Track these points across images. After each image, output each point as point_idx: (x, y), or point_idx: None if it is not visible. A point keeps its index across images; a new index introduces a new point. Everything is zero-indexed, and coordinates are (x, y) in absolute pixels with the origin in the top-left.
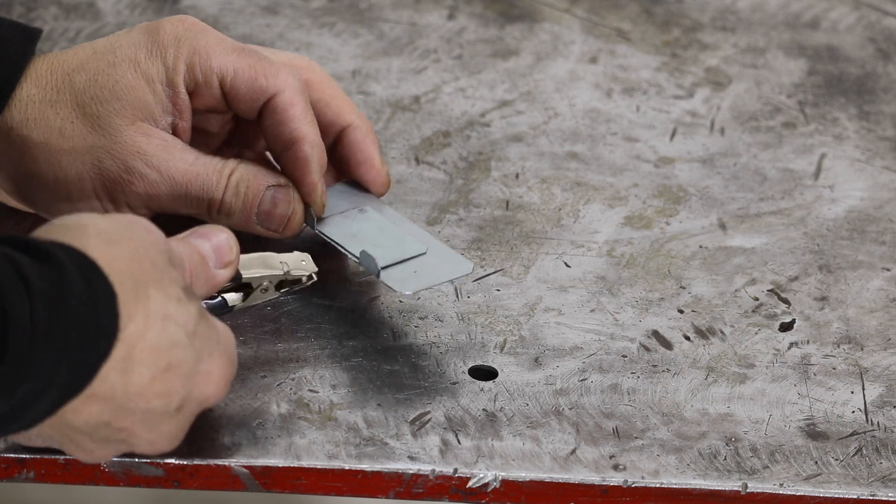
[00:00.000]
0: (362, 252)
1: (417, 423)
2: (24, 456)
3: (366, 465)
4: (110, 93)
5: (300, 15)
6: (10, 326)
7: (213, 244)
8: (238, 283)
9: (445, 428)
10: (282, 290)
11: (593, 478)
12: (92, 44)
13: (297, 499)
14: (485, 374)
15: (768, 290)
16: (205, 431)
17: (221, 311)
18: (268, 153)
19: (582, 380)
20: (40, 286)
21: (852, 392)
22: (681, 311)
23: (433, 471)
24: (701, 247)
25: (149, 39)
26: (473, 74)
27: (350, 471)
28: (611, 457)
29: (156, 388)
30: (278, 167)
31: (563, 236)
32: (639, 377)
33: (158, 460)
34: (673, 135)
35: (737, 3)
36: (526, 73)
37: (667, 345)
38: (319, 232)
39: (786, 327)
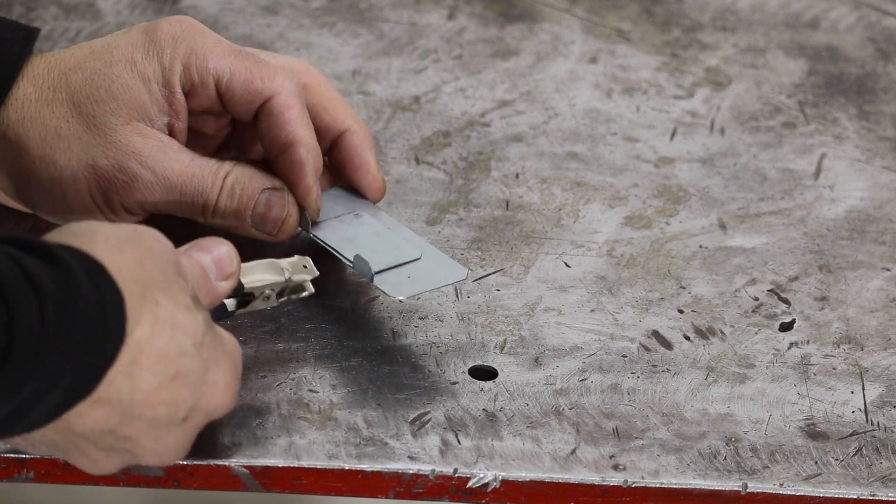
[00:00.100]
0: (356, 256)
1: (417, 423)
2: (24, 456)
3: (366, 465)
4: (106, 92)
5: (300, 15)
6: (16, 327)
7: (213, 257)
8: (240, 293)
9: (445, 428)
10: (281, 300)
11: (593, 478)
12: (90, 43)
13: (297, 499)
14: (485, 374)
15: (768, 290)
16: (205, 431)
17: (221, 315)
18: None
19: (582, 380)
20: (49, 288)
21: (852, 392)
22: (681, 311)
23: (433, 471)
24: (701, 247)
25: (146, 39)
26: (473, 74)
27: (350, 471)
28: (611, 457)
29: (162, 396)
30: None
31: (563, 236)
32: (639, 377)
33: None
34: (673, 135)
35: (737, 3)
36: (526, 73)
37: (667, 345)
38: (314, 236)
39: (786, 327)
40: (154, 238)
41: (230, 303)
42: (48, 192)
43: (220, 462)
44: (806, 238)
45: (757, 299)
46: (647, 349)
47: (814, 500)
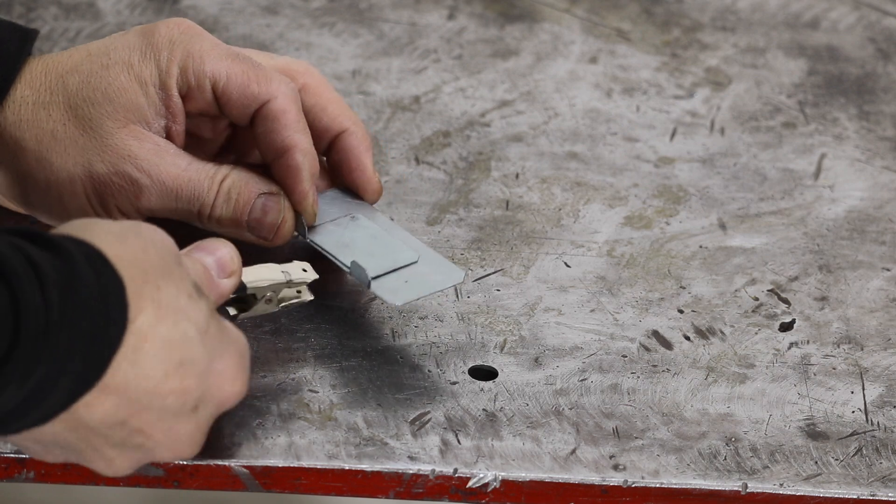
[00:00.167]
0: (353, 262)
1: (417, 423)
2: (24, 456)
3: (366, 465)
4: (103, 95)
5: (300, 15)
6: (22, 310)
7: (215, 258)
8: (243, 295)
9: (445, 428)
10: (282, 305)
11: (593, 478)
12: (87, 46)
13: (297, 499)
14: (485, 374)
15: (768, 290)
16: None
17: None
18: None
19: (582, 380)
20: (52, 276)
21: (852, 392)
22: (681, 311)
23: (433, 471)
24: (701, 247)
25: (143, 42)
26: (473, 74)
27: (350, 471)
28: (611, 457)
29: (170, 385)
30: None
31: (563, 236)
32: (639, 377)
33: None
34: (673, 135)
35: (737, 3)
36: (526, 73)
37: (667, 345)
38: (310, 241)
39: (786, 327)
40: (154, 230)
41: (232, 310)
42: (45, 195)
43: (220, 462)
44: (806, 238)
45: (757, 299)
46: (647, 349)
47: (814, 500)
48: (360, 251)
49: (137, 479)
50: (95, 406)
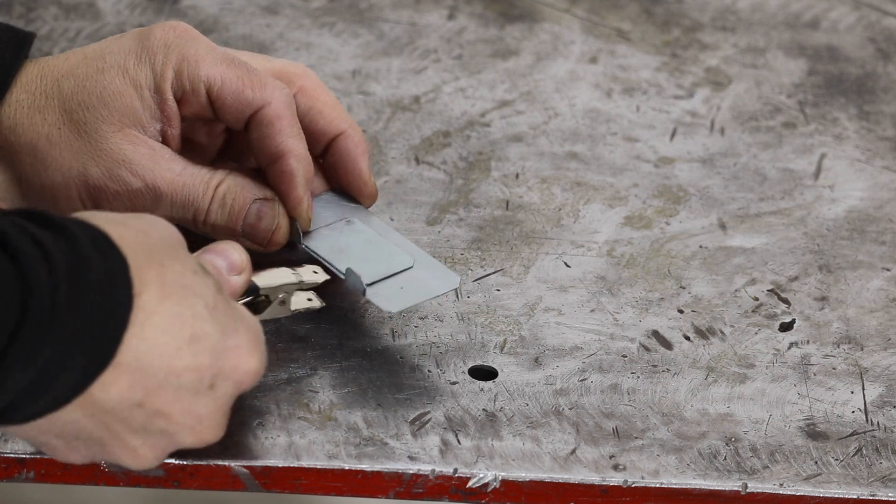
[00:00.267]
0: (348, 270)
1: (417, 423)
2: (23, 456)
3: (366, 465)
4: (98, 99)
5: (300, 15)
6: (29, 289)
7: (225, 258)
8: (255, 298)
9: (445, 428)
10: (294, 309)
11: (593, 478)
12: (83, 49)
13: (297, 499)
14: (485, 374)
15: (768, 290)
16: None
17: None
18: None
19: (582, 380)
20: (58, 257)
21: (852, 392)
22: (681, 311)
23: (433, 471)
24: (701, 247)
25: (138, 45)
26: (473, 74)
27: (350, 471)
28: (611, 457)
29: (184, 361)
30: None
31: (563, 236)
32: (639, 377)
33: None
34: (673, 135)
35: (737, 3)
36: (526, 73)
37: (667, 345)
38: (305, 247)
39: (786, 327)
40: (156, 218)
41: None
42: (40, 199)
43: (220, 462)
44: (806, 238)
45: (757, 299)
46: (647, 349)
47: (814, 500)
48: (356, 257)
49: (137, 479)
50: (110, 385)
